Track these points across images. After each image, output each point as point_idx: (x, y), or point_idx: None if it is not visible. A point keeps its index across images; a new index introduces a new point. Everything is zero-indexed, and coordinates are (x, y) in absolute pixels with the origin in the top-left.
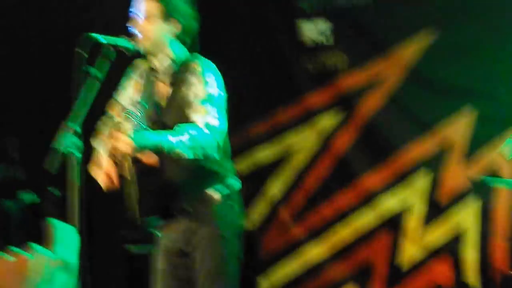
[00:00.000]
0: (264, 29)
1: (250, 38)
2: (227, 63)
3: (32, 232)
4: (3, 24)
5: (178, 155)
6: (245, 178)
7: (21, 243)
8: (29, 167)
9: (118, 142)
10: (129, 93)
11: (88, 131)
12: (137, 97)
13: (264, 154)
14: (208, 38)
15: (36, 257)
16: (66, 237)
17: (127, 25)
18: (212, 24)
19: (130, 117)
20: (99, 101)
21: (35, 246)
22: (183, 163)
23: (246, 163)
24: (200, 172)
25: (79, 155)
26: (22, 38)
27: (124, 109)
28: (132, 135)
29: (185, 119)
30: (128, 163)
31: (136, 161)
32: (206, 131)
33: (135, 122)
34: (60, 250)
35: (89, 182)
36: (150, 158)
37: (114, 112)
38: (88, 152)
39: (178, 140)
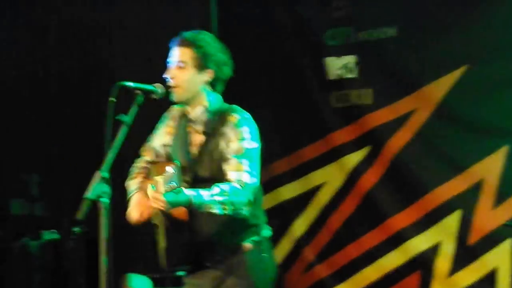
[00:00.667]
0: (291, 66)
1: (276, 75)
2: (254, 99)
3: (52, 269)
4: (35, 62)
5: (208, 210)
6: (269, 215)
7: (42, 281)
8: (50, 204)
9: (153, 200)
10: (162, 138)
11: (116, 173)
12: (170, 142)
13: (289, 191)
14: (235, 76)
15: None
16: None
17: (164, 74)
18: (239, 63)
19: (171, 168)
20: (129, 144)
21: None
22: (216, 219)
23: (271, 200)
24: (232, 223)
25: (107, 200)
26: (51, 78)
27: (156, 153)
28: (166, 194)
29: (218, 171)
30: (160, 217)
31: (167, 215)
32: (239, 188)
33: (174, 173)
34: None
35: (119, 226)
36: (181, 213)
37: (147, 155)
38: (115, 196)
39: (209, 197)
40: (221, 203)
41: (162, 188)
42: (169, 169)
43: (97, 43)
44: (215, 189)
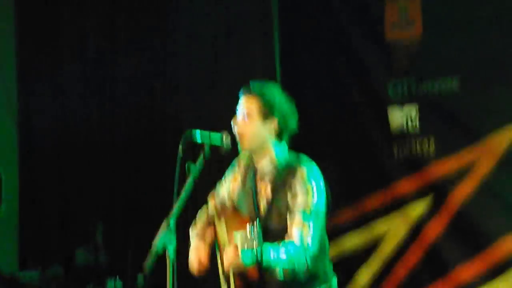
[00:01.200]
0: (353, 116)
1: (339, 125)
2: (318, 149)
3: None
4: (103, 112)
5: (273, 268)
6: (333, 266)
7: None
8: (114, 253)
9: (228, 258)
10: (229, 186)
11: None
12: (236, 191)
13: (353, 241)
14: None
15: None
16: None
17: (231, 123)
18: (303, 113)
19: (253, 227)
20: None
21: None
22: (287, 273)
23: (334, 250)
24: (303, 276)
25: (172, 249)
26: (118, 128)
27: (222, 201)
28: (243, 252)
29: (284, 224)
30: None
31: (239, 273)
32: (301, 249)
33: (255, 231)
34: None
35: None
36: (252, 269)
37: (212, 203)
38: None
39: (276, 256)
40: (285, 264)
41: (239, 245)
42: (252, 227)
43: (164, 93)
44: (282, 249)
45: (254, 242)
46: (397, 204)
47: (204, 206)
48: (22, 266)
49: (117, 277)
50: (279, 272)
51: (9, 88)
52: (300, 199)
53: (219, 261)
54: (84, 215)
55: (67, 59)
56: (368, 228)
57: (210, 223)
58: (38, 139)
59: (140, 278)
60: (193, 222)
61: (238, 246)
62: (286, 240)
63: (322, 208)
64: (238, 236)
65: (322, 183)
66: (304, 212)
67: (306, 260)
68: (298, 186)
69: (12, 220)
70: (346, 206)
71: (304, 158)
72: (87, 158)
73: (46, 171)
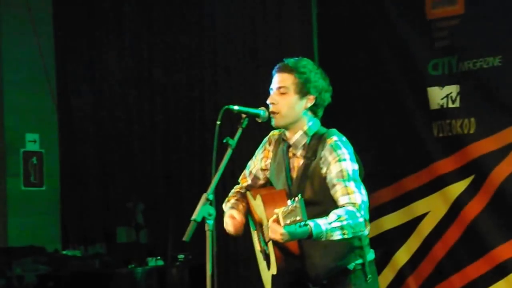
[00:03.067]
0: (393, 96)
1: (379, 105)
2: (357, 130)
3: None
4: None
5: (329, 239)
6: (372, 244)
7: None
8: (155, 232)
9: (274, 233)
10: (261, 163)
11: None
12: (269, 167)
13: (392, 221)
14: (336, 104)
15: None
16: None
17: (267, 100)
18: (341, 93)
19: (296, 201)
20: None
21: None
22: (326, 243)
23: (374, 230)
24: (338, 247)
25: (212, 222)
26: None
27: (255, 178)
28: (287, 226)
29: (319, 194)
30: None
31: (279, 244)
32: (353, 210)
33: (299, 206)
34: None
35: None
36: (293, 243)
37: (244, 183)
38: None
39: (327, 225)
40: (340, 228)
41: (282, 220)
42: (293, 201)
43: (202, 71)
44: (331, 216)
45: (298, 216)
46: (437, 185)
47: (236, 187)
48: (65, 245)
49: (158, 256)
50: (339, 237)
51: (48, 70)
52: (334, 168)
53: (255, 239)
54: (125, 195)
55: (105, 41)
56: (408, 208)
57: (243, 201)
58: (78, 120)
59: (179, 256)
60: (225, 200)
61: (281, 221)
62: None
63: (357, 173)
64: (280, 211)
65: (353, 152)
66: (343, 179)
67: (365, 218)
68: (330, 156)
69: (55, 201)
70: (386, 187)
71: (334, 131)
72: (126, 138)
73: (87, 152)
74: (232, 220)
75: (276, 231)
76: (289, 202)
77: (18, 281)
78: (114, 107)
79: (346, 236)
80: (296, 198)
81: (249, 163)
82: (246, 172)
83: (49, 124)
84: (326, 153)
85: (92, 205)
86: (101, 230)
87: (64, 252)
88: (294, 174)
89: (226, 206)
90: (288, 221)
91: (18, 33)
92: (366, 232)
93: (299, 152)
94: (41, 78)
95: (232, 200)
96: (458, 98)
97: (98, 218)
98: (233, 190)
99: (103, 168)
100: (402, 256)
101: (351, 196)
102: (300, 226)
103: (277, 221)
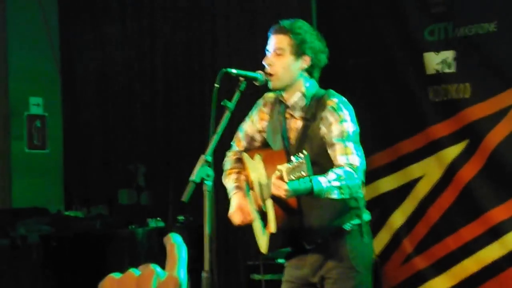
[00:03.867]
0: (389, 60)
1: (375, 69)
2: (352, 93)
3: (158, 256)
4: (142, 55)
5: (327, 196)
6: (368, 207)
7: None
8: (155, 194)
9: (277, 189)
10: (257, 125)
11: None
12: (265, 129)
13: (388, 184)
14: (333, 69)
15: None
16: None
17: (263, 62)
18: (337, 55)
19: (301, 157)
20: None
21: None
22: (323, 202)
23: (370, 192)
24: (335, 207)
25: (211, 183)
26: (156, 70)
27: (250, 140)
28: (290, 182)
29: (318, 155)
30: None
31: (279, 201)
32: (351, 171)
33: (304, 162)
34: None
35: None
36: (292, 200)
37: (238, 145)
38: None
39: (327, 183)
40: (339, 188)
41: (286, 176)
42: (298, 158)
43: (200, 32)
44: (331, 174)
45: (303, 172)
46: (433, 148)
47: (230, 151)
48: (67, 206)
49: (159, 217)
50: (336, 196)
51: (51, 35)
52: (335, 129)
53: (251, 198)
54: (127, 157)
55: (108, 6)
56: (404, 171)
57: (240, 167)
58: (81, 84)
59: (180, 217)
60: (224, 173)
61: (285, 177)
62: (334, 168)
63: (357, 135)
64: (284, 168)
65: (353, 114)
66: (342, 139)
67: (361, 179)
68: (331, 117)
69: (58, 163)
70: (381, 150)
71: (333, 92)
72: (128, 101)
73: (89, 115)
74: (242, 214)
75: (280, 187)
76: (293, 158)
77: (21, 241)
78: (116, 71)
79: (343, 196)
80: (301, 155)
81: (242, 126)
82: (240, 135)
83: (52, 88)
84: (327, 114)
85: (94, 167)
86: (103, 192)
87: (66, 213)
88: (292, 135)
89: (228, 183)
90: (292, 177)
91: None
92: (362, 193)
93: (297, 114)
94: (45, 43)
95: (234, 176)
96: (453, 63)
97: (100, 180)
98: (229, 159)
99: (105, 132)
100: (397, 218)
101: (350, 156)
102: (304, 182)
103: (280, 177)
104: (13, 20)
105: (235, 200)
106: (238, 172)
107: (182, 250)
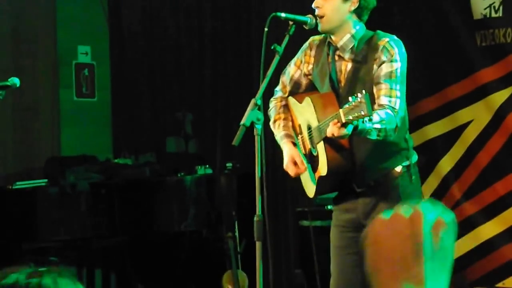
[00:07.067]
0: (436, 5)
1: (420, 15)
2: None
3: (206, 202)
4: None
5: (364, 136)
6: (416, 153)
7: (196, 213)
8: (203, 142)
9: (335, 130)
10: (303, 68)
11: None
12: (311, 72)
13: (436, 129)
14: (379, 15)
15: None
16: None
17: (312, 6)
18: (383, 1)
19: (361, 97)
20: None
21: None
22: (375, 144)
23: (417, 138)
24: (384, 147)
25: (260, 126)
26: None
27: (296, 84)
28: (348, 124)
29: (372, 96)
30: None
31: (330, 141)
32: (392, 115)
33: (364, 101)
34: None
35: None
36: (344, 142)
37: (283, 90)
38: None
39: (371, 124)
40: (378, 130)
41: (343, 116)
42: (355, 98)
43: None
44: (375, 116)
45: (363, 111)
46: (481, 93)
47: (276, 98)
48: (116, 155)
49: (207, 165)
50: (373, 137)
51: None
52: (385, 68)
53: (299, 143)
54: (174, 105)
55: None
56: (452, 116)
57: (286, 112)
58: (128, 33)
59: (228, 164)
60: (271, 120)
61: (342, 118)
62: (376, 108)
63: (405, 74)
64: (341, 110)
65: (404, 53)
66: (390, 80)
67: (397, 124)
68: (383, 56)
69: (106, 111)
70: (429, 96)
71: (382, 32)
72: (175, 50)
73: (137, 64)
74: (295, 167)
75: (336, 128)
76: (350, 99)
77: (71, 188)
78: (164, 21)
79: (378, 138)
80: (360, 94)
81: (287, 70)
82: (285, 79)
83: (100, 36)
84: (380, 54)
85: (142, 115)
86: (150, 140)
87: (115, 161)
88: (342, 77)
89: (277, 130)
90: (350, 117)
91: None
92: (392, 138)
93: (347, 55)
94: None
95: (281, 122)
96: (501, 8)
97: (148, 129)
98: (275, 105)
99: (153, 80)
100: (446, 163)
101: (393, 99)
102: (363, 122)
103: (338, 119)
104: None
105: (287, 150)
106: (285, 119)
107: None
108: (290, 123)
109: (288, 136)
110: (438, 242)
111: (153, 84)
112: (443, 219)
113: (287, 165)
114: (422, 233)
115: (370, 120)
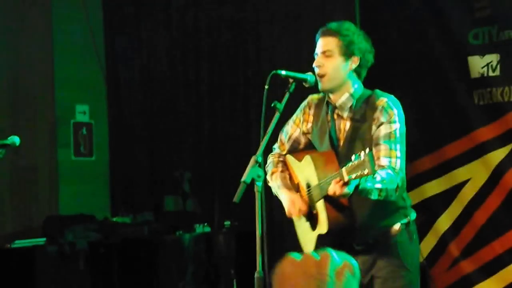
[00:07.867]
0: (433, 64)
1: (419, 73)
2: (397, 96)
3: (204, 261)
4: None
5: (365, 195)
6: (415, 213)
7: (195, 271)
8: (201, 200)
9: (337, 189)
10: (302, 126)
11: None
12: (310, 130)
13: (434, 188)
14: (377, 74)
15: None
16: None
17: (313, 65)
18: (381, 59)
19: (363, 155)
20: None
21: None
22: (374, 203)
23: (415, 197)
24: (384, 206)
25: (260, 183)
26: (201, 77)
27: (295, 143)
28: (351, 182)
29: None
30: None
31: (331, 200)
32: (393, 175)
33: (368, 160)
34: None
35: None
36: (344, 201)
37: (281, 148)
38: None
39: (372, 184)
40: (379, 190)
41: (346, 175)
42: (358, 156)
43: (246, 39)
44: (376, 176)
45: (366, 170)
46: (478, 152)
47: (274, 154)
48: (114, 213)
49: (205, 223)
50: (374, 197)
51: (97, 43)
52: (384, 129)
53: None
54: (172, 164)
55: (152, 14)
56: (450, 175)
57: (284, 167)
58: (126, 92)
59: (226, 222)
60: (268, 174)
61: (345, 176)
62: (377, 168)
63: (404, 137)
64: (343, 169)
65: (402, 113)
66: (389, 141)
67: (398, 184)
68: (381, 116)
69: (104, 170)
70: (427, 155)
71: (380, 91)
72: (173, 108)
73: (135, 123)
74: (294, 207)
75: (338, 186)
76: (353, 157)
77: (70, 247)
78: (162, 78)
79: (379, 198)
80: (363, 152)
81: (285, 128)
82: (283, 137)
83: (98, 96)
84: (378, 114)
85: (140, 174)
86: (148, 199)
87: (113, 219)
88: (341, 136)
89: (274, 181)
90: (353, 175)
91: (68, 7)
92: (394, 198)
93: (346, 114)
94: (90, 51)
95: (279, 175)
96: (498, 67)
97: (146, 187)
98: (272, 159)
99: (151, 139)
100: (444, 222)
101: (393, 160)
102: (365, 181)
103: (340, 177)
104: (59, 29)
105: (285, 196)
106: (283, 171)
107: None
108: (288, 177)
109: (286, 186)
110: (342, 283)
111: (151, 142)
112: (349, 262)
113: (289, 208)
114: (327, 273)
115: (374, 178)
